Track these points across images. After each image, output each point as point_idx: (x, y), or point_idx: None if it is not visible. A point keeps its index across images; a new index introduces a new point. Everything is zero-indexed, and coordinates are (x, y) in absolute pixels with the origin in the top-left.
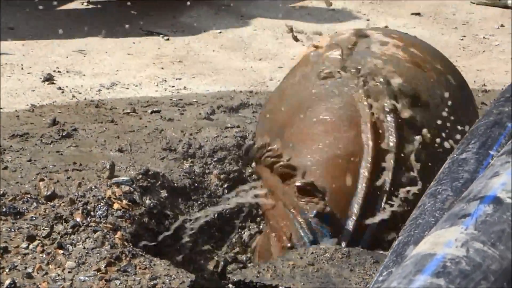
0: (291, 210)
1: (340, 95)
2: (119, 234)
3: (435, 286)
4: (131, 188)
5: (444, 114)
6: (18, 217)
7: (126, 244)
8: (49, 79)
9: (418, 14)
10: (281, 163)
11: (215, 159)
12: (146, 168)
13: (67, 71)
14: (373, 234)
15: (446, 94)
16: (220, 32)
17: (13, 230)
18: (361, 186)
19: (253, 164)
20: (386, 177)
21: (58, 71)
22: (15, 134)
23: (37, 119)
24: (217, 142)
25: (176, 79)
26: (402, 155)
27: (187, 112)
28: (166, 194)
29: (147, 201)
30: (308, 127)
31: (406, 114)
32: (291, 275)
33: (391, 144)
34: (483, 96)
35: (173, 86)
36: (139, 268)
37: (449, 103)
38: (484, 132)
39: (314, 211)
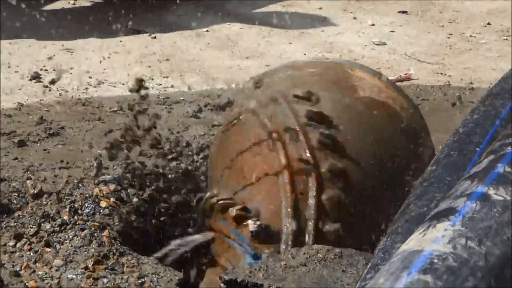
0: (229, 236)
1: (248, 130)
2: (106, 232)
3: (422, 283)
4: (118, 186)
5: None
6: (5, 215)
7: (114, 242)
8: (36, 77)
9: (405, 12)
10: (236, 207)
11: (201, 156)
12: (133, 166)
13: (54, 70)
14: (315, 230)
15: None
16: (207, 31)
17: (0, 228)
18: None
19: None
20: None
21: (45, 70)
22: (2, 132)
23: (24, 117)
24: (204, 140)
25: (163, 77)
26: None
27: (174, 110)
28: (154, 192)
29: (134, 199)
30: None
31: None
32: (283, 275)
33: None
34: (469, 94)
35: (160, 84)
36: (127, 267)
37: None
38: (471, 129)
39: (250, 230)
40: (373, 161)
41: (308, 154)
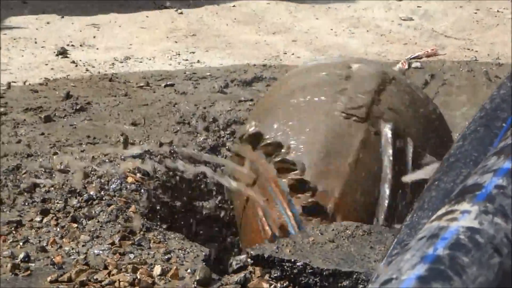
0: (283, 205)
1: (356, 132)
2: (133, 207)
3: (449, 259)
4: (145, 162)
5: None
6: (32, 191)
7: (140, 217)
8: (62, 53)
9: None
10: (282, 158)
11: (228, 132)
12: (160, 141)
13: (81, 45)
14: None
15: (433, 135)
16: (234, 6)
17: (27, 203)
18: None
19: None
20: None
21: (72, 45)
22: (29, 107)
23: (51, 92)
24: (230, 115)
25: (190, 52)
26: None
27: (201, 86)
28: (180, 168)
29: (161, 175)
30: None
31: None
32: (310, 251)
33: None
34: (496, 69)
35: (187, 60)
36: (153, 242)
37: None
38: (498, 105)
39: (302, 206)
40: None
41: None
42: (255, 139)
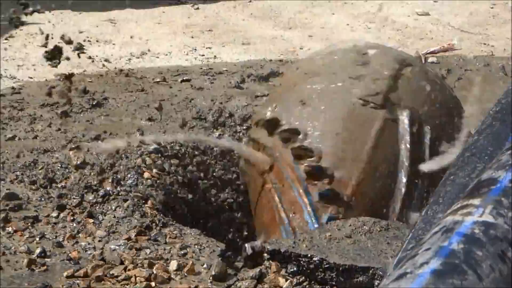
0: (299, 191)
1: (373, 120)
2: (149, 203)
3: (464, 253)
4: (161, 157)
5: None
6: (49, 186)
7: (157, 213)
8: (79, 48)
9: None
10: (299, 144)
11: (244, 127)
12: (176, 137)
13: (97, 41)
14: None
15: (450, 120)
16: (250, 1)
17: (43, 199)
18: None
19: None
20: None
21: (88, 41)
22: (46, 103)
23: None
24: (247, 110)
25: (206, 48)
26: None
27: (217, 81)
28: (197, 163)
29: (178, 170)
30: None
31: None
32: (327, 247)
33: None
34: None
35: (203, 55)
36: (170, 237)
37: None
38: None
39: (318, 193)
40: None
41: None
42: (271, 125)
